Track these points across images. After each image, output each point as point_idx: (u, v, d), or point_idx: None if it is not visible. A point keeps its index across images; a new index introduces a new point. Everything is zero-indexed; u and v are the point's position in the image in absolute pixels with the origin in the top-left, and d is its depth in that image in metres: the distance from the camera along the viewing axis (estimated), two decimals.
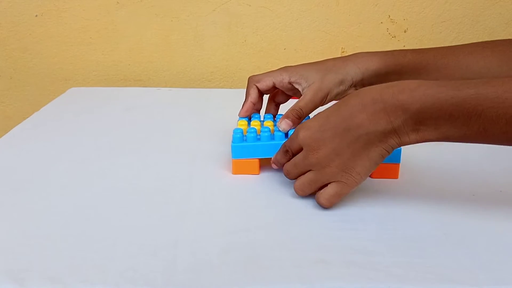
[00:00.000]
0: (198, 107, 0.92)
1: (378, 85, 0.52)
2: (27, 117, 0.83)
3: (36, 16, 1.11)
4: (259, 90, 0.67)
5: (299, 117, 0.62)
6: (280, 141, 0.60)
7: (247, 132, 0.61)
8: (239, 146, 0.60)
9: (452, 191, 0.58)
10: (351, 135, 0.51)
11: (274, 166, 0.60)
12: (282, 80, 0.66)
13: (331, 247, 0.46)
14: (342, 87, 0.64)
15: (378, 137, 0.51)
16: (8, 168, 0.63)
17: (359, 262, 0.44)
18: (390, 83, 0.51)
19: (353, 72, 0.64)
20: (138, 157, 0.67)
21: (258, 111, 0.69)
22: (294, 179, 0.57)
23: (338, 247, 0.46)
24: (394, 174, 0.62)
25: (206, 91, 1.04)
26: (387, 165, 0.61)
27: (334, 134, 0.52)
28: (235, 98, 0.98)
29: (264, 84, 0.67)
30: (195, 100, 0.96)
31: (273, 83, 0.66)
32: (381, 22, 1.14)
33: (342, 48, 1.15)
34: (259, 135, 0.61)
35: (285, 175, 0.58)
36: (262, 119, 0.69)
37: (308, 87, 0.64)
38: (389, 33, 1.15)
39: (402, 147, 0.54)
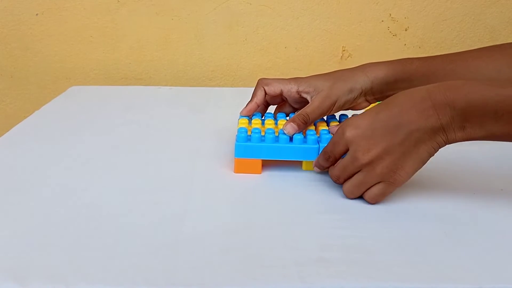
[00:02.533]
0: (198, 106, 0.92)
1: (424, 86, 0.53)
2: (28, 116, 0.83)
3: (36, 14, 1.11)
4: (265, 94, 0.67)
5: (305, 122, 0.62)
6: (285, 144, 0.60)
7: (251, 132, 0.61)
8: (243, 146, 0.60)
9: (453, 190, 0.58)
10: (402, 132, 0.51)
11: (316, 170, 0.60)
12: (290, 89, 0.66)
13: (331, 246, 0.46)
14: (351, 96, 0.64)
15: (428, 133, 0.51)
16: (8, 166, 0.63)
17: (360, 261, 0.44)
18: (435, 83, 0.52)
19: (362, 80, 0.64)
20: (139, 155, 0.67)
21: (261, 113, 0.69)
22: (343, 183, 0.56)
23: (339, 246, 0.46)
24: None
25: (206, 90, 1.04)
26: None
27: (385, 132, 0.52)
28: (236, 97, 0.98)
29: (272, 89, 0.66)
30: (195, 99, 0.96)
31: (281, 90, 0.66)
32: (382, 21, 1.14)
33: (343, 46, 1.15)
34: (264, 135, 0.61)
35: (334, 181, 0.57)
36: (263, 118, 0.69)
37: (317, 94, 0.64)
38: (390, 32, 1.15)
39: None
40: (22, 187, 0.57)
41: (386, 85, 0.65)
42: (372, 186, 0.54)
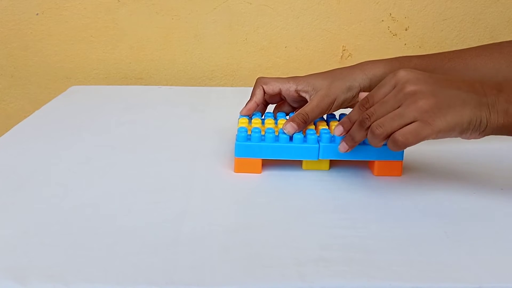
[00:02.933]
0: (199, 105, 0.92)
1: None
2: (28, 116, 0.83)
3: (37, 14, 1.11)
4: (264, 93, 0.67)
5: (304, 121, 0.62)
6: (285, 143, 0.60)
7: (251, 131, 0.61)
8: (243, 145, 0.60)
9: (453, 189, 0.58)
10: (453, 87, 0.51)
11: (343, 149, 0.57)
12: (289, 88, 0.66)
13: (331, 245, 0.46)
14: (349, 94, 0.64)
15: (475, 101, 0.50)
16: (9, 166, 0.63)
17: (360, 260, 0.44)
18: None
19: (360, 78, 0.64)
20: (139, 155, 0.67)
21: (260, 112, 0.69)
22: (376, 121, 0.52)
23: (339, 245, 0.46)
24: (397, 172, 0.62)
25: (207, 90, 1.04)
26: (390, 162, 0.61)
27: (438, 81, 0.51)
28: (236, 97, 0.98)
29: (271, 88, 0.66)
30: (196, 99, 0.96)
31: (280, 89, 0.66)
32: (382, 20, 1.14)
33: (343, 46, 1.15)
34: (264, 135, 0.61)
35: (365, 124, 0.53)
36: (262, 117, 0.69)
37: (315, 93, 0.64)
38: (390, 31, 1.15)
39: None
40: (22, 187, 0.58)
41: None
42: (407, 124, 0.50)
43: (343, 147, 0.57)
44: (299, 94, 0.66)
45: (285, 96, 0.67)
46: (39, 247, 0.45)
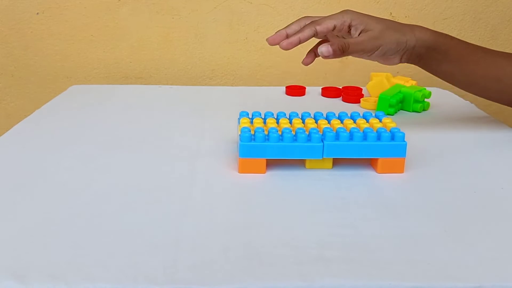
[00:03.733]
0: (199, 105, 0.92)
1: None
2: (28, 115, 0.83)
3: (37, 13, 1.11)
4: (315, 33, 0.65)
5: (342, 50, 0.61)
6: (289, 143, 0.60)
7: (254, 131, 0.61)
8: (248, 145, 0.60)
9: (454, 188, 0.58)
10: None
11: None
12: (343, 22, 0.65)
13: (331, 244, 0.46)
14: (394, 46, 0.65)
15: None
16: (9, 165, 0.63)
17: (360, 259, 0.44)
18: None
19: (409, 37, 0.66)
20: (140, 154, 0.67)
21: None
22: None
23: (339, 244, 0.46)
24: (399, 169, 0.62)
25: (207, 89, 1.04)
26: (393, 160, 0.61)
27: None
28: (237, 96, 0.98)
29: (325, 26, 0.65)
30: (196, 98, 0.96)
31: (334, 25, 0.65)
32: None
33: None
34: (267, 135, 0.61)
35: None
36: (263, 116, 0.69)
37: (366, 32, 0.64)
38: None
39: (407, 143, 0.60)
40: (22, 186, 0.58)
41: (426, 50, 0.67)
42: None
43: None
44: (350, 28, 0.65)
45: (336, 32, 0.66)
46: (40, 246, 0.45)
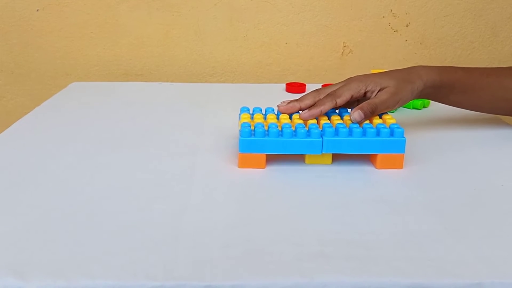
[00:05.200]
0: (199, 101, 0.92)
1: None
2: (29, 112, 0.83)
3: (37, 10, 1.11)
4: (334, 106, 0.66)
5: (372, 112, 0.64)
6: (289, 138, 0.60)
7: (254, 126, 0.61)
8: (248, 140, 0.60)
9: (453, 185, 0.58)
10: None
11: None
12: (359, 91, 0.67)
13: (331, 241, 0.46)
14: (411, 96, 0.69)
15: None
16: (9, 162, 0.63)
17: (360, 255, 0.44)
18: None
19: (419, 83, 0.70)
20: (140, 151, 0.67)
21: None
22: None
23: (339, 241, 0.46)
24: (398, 165, 0.62)
25: (207, 86, 1.04)
26: (392, 156, 0.61)
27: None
28: (237, 93, 0.98)
29: (344, 99, 0.66)
30: (196, 95, 0.96)
31: (352, 96, 0.67)
32: (383, 17, 1.13)
33: (343, 42, 1.15)
34: (267, 130, 0.61)
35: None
36: (264, 112, 0.69)
37: (384, 90, 0.67)
38: (391, 28, 1.15)
39: (407, 140, 0.61)
40: (22, 183, 0.58)
41: (433, 89, 0.71)
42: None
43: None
44: (366, 94, 0.68)
45: (352, 99, 0.68)
46: (40, 243, 0.46)
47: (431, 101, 0.90)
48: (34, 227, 0.48)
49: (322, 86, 1.00)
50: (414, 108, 0.88)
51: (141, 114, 0.84)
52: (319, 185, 0.58)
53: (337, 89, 0.68)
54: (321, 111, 0.65)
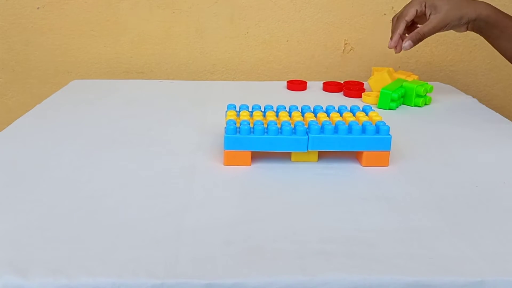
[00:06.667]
0: (200, 99, 0.92)
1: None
2: (29, 110, 0.83)
3: (38, 8, 1.11)
4: (406, 25, 0.83)
5: (420, 39, 0.81)
6: (274, 135, 0.60)
7: (240, 124, 0.61)
8: (233, 138, 0.60)
9: (455, 183, 0.58)
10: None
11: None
12: (421, 7, 0.82)
13: (332, 239, 0.46)
14: (459, 22, 0.81)
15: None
16: (10, 160, 0.63)
17: (361, 253, 0.44)
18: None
19: (470, 12, 0.80)
20: (140, 149, 0.67)
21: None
22: None
23: (340, 239, 0.46)
24: (384, 162, 0.62)
25: (208, 84, 1.04)
26: (378, 153, 0.61)
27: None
28: (238, 91, 0.98)
29: (411, 14, 0.82)
30: (197, 93, 0.96)
31: (416, 10, 0.82)
32: (384, 14, 1.13)
33: (345, 40, 1.15)
34: (253, 127, 0.61)
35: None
36: (250, 109, 0.69)
37: (434, 15, 0.80)
38: None
39: (392, 136, 0.62)
40: (23, 181, 0.58)
41: (485, 25, 0.81)
42: None
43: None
44: (424, 13, 0.82)
45: (418, 13, 0.84)
46: (41, 241, 0.45)
47: (432, 98, 0.90)
48: (35, 225, 0.48)
49: (324, 84, 1.00)
50: (415, 105, 0.88)
51: (142, 112, 0.84)
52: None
53: (404, 9, 0.83)
54: (399, 34, 0.83)
